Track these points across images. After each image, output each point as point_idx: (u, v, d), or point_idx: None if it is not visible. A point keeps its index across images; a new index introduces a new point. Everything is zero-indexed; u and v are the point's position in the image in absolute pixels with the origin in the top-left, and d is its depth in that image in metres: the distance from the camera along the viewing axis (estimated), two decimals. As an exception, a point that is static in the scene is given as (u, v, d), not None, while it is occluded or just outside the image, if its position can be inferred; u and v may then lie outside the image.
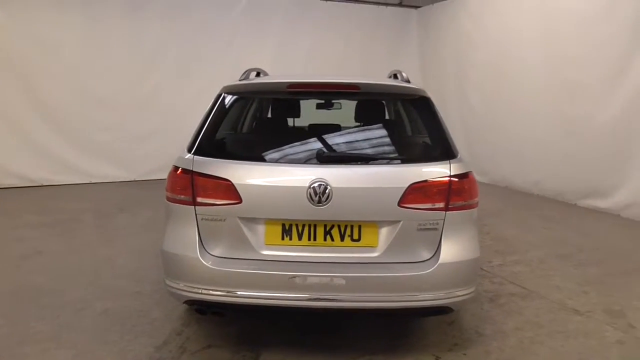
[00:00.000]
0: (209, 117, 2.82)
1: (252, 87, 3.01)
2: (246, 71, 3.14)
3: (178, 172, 2.68)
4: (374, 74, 8.71)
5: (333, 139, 2.84)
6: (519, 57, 7.20)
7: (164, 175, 8.53)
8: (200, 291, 2.56)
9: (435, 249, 2.58)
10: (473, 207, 2.65)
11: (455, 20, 8.57)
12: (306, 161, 2.69)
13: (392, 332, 3.18)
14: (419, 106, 2.84)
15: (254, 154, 2.74)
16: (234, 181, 2.53)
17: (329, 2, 9.04)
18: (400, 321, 3.29)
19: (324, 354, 2.93)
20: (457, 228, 2.60)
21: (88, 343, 3.03)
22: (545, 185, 6.99)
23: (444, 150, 2.67)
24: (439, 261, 2.53)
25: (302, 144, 2.77)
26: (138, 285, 3.90)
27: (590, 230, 5.53)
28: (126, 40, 7.83)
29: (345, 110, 5.20)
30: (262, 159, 2.68)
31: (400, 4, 9.65)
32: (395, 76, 3.52)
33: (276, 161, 2.68)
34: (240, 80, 3.03)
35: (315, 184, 2.48)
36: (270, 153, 2.72)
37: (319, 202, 2.48)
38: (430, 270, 2.51)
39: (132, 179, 8.10)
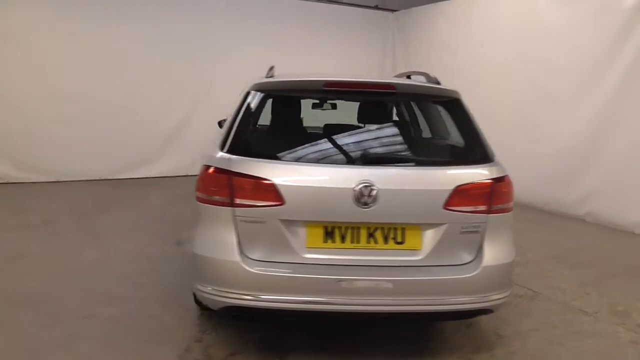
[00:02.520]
0: (238, 114, 2.70)
1: (285, 84, 2.92)
2: (271, 67, 3.03)
3: (211, 171, 2.56)
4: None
5: (373, 139, 2.80)
6: (494, 64, 7.37)
7: (137, 174, 8.17)
8: (240, 297, 2.45)
9: (476, 252, 2.58)
10: (510, 210, 2.67)
11: (431, 24, 8.71)
12: (350, 162, 2.63)
13: (414, 335, 3.17)
14: (453, 107, 2.84)
15: (294, 153, 2.66)
16: (276, 182, 2.44)
17: (307, 2, 9.00)
18: (420, 324, 3.29)
19: (355, 357, 2.88)
20: (498, 231, 2.61)
21: (103, 353, 2.86)
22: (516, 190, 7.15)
23: (483, 153, 2.68)
24: (483, 264, 2.53)
25: (343, 144, 2.71)
26: (140, 290, 3.71)
27: (573, 234, 5.73)
28: (98, 35, 7.48)
29: (340, 111, 5.18)
30: (303, 159, 2.61)
31: (376, 7, 9.73)
32: (408, 77, 3.53)
33: (319, 161, 2.61)
34: (267, 77, 2.93)
35: (362, 186, 2.42)
36: (311, 153, 2.64)
37: (365, 204, 2.43)
38: (475, 273, 2.51)
39: (103, 178, 7.73)
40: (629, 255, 4.96)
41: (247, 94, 2.76)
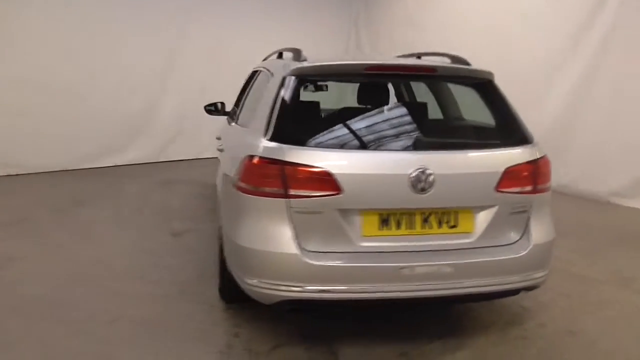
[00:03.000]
0: (277, 100, 2.59)
1: (324, 69, 2.80)
2: (299, 51, 2.90)
3: (260, 161, 2.45)
4: (317, 51, 8.65)
5: (420, 123, 2.76)
6: (461, 42, 7.43)
7: (103, 162, 7.76)
8: (301, 290, 2.38)
9: (522, 231, 2.63)
10: (550, 190, 2.73)
11: (397, 1, 8.70)
12: (404, 147, 2.59)
13: (447, 316, 3.22)
14: (487, 89, 2.85)
15: (346, 140, 2.58)
16: (333, 171, 2.37)
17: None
18: (447, 306, 3.33)
19: (397, 341, 2.87)
20: (541, 210, 2.67)
21: (145, 358, 2.72)
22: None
23: (524, 134, 2.71)
24: (532, 243, 2.59)
25: (393, 128, 2.65)
26: (158, 287, 3.55)
27: (555, 207, 5.95)
28: (52, 20, 6.95)
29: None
30: (357, 146, 2.55)
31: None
32: (418, 57, 3.51)
33: (373, 148, 2.55)
34: (299, 61, 2.80)
35: (419, 171, 2.40)
36: (363, 139, 2.57)
37: (422, 189, 2.40)
38: (526, 252, 2.56)
39: (66, 168, 7.29)
40: (615, 224, 5.23)
41: (284, 78, 2.64)
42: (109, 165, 7.59)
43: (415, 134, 2.65)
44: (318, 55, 2.84)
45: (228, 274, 2.96)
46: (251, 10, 8.57)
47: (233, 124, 3.55)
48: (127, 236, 4.63)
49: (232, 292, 3.14)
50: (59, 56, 7.03)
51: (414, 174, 2.40)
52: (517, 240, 2.62)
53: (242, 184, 2.52)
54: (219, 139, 4.50)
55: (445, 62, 3.06)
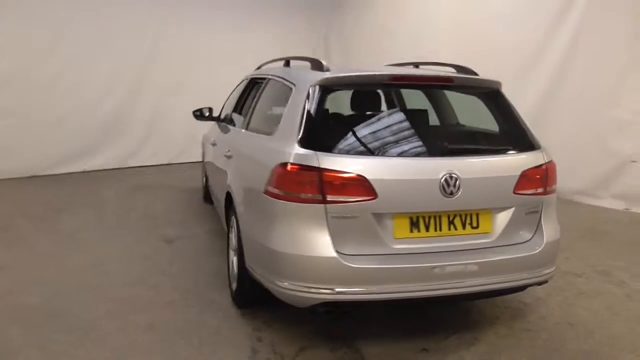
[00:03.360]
0: (304, 109, 2.66)
1: (351, 79, 2.91)
2: (320, 62, 2.97)
3: (296, 168, 2.51)
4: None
5: (444, 129, 2.90)
6: (435, 49, 7.73)
7: (72, 168, 7.55)
8: (339, 292, 2.46)
9: (534, 230, 2.82)
10: (555, 192, 2.95)
11: (367, 7, 8.89)
12: (432, 153, 2.72)
13: (456, 312, 3.37)
14: (498, 97, 3.04)
15: (377, 147, 2.68)
16: (368, 176, 2.47)
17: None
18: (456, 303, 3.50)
19: (416, 338, 2.98)
20: (550, 210, 2.88)
21: (170, 364, 2.72)
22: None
23: (532, 140, 2.90)
24: (545, 241, 2.78)
25: (420, 135, 2.77)
26: (161, 294, 3.53)
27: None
28: (20, 20, 6.70)
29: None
30: (389, 153, 2.65)
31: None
32: (416, 66, 3.68)
33: (404, 154, 2.66)
34: (323, 71, 2.88)
35: (447, 176, 2.54)
36: (394, 146, 2.68)
37: (451, 193, 2.55)
38: (539, 250, 2.75)
39: (35, 174, 7.03)
40: (580, 220, 5.59)
41: (312, 88, 2.71)
42: (77, 170, 7.37)
43: (440, 140, 2.79)
44: (338, 66, 2.94)
45: (248, 278, 3.01)
46: (222, 19, 8.55)
47: (243, 130, 3.58)
48: (118, 243, 4.55)
49: (248, 297, 3.19)
50: (25, 59, 6.79)
51: (443, 179, 2.54)
52: (530, 239, 2.80)
53: (275, 190, 2.57)
54: (214, 144, 4.51)
55: (450, 71, 3.23)
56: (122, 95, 7.70)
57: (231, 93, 5.09)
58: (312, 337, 2.99)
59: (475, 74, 3.16)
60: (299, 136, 2.60)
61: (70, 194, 6.18)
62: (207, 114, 5.02)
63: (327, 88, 2.75)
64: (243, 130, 3.55)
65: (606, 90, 5.88)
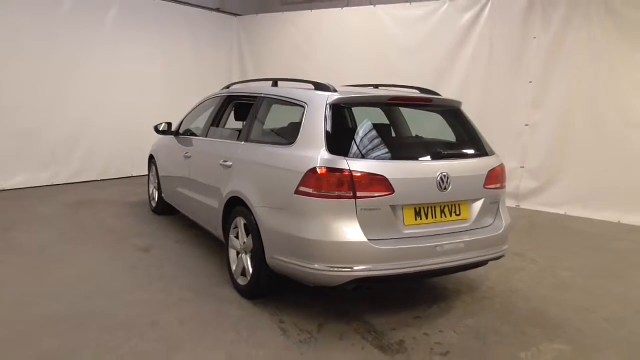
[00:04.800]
0: (328, 122, 3.24)
1: (359, 99, 3.59)
2: (327, 85, 3.55)
3: (325, 171, 3.08)
4: (202, 76, 9.11)
5: (434, 140, 3.67)
6: (348, 69, 8.56)
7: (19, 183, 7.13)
8: (368, 270, 3.06)
9: (494, 216, 3.66)
10: (505, 187, 3.84)
11: (282, 31, 9.50)
12: (430, 157, 3.46)
13: (426, 288, 4.12)
14: (460, 114, 3.86)
15: (391, 153, 3.33)
16: (388, 176, 3.12)
17: (157, 1, 8.90)
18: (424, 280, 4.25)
19: (408, 309, 3.66)
20: (503, 201, 3.75)
21: (218, 346, 3.09)
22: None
23: (487, 147, 3.76)
24: (504, 224, 3.63)
25: (417, 144, 3.46)
26: (171, 295, 3.83)
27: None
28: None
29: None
30: (400, 157, 3.33)
31: (218, 10, 10.10)
32: (376, 87, 4.44)
33: (411, 158, 3.37)
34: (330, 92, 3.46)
35: (443, 175, 3.28)
36: (403, 152, 3.37)
37: (445, 188, 3.29)
38: (502, 231, 3.59)
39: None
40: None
41: (329, 106, 3.30)
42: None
43: (434, 148, 3.57)
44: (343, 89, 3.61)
45: (265, 272, 3.48)
46: (143, 34, 8.68)
47: (242, 142, 3.99)
48: (96, 256, 4.62)
49: (263, 289, 3.65)
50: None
51: (439, 177, 3.27)
52: (492, 223, 3.64)
53: (309, 190, 3.11)
54: (188, 157, 4.82)
55: (414, 92, 4.04)
56: (39, 113, 7.39)
57: (192, 110, 5.39)
58: (325, 316, 3.54)
59: (439, 94, 3.98)
60: (326, 145, 3.17)
61: (2, 212, 5.92)
62: (166, 129, 5.33)
63: (339, 106, 3.37)
64: (242, 142, 3.98)
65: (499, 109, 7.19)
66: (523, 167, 7.11)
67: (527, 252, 5.16)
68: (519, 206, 7.16)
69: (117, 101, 8.26)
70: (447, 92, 7.48)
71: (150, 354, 2.97)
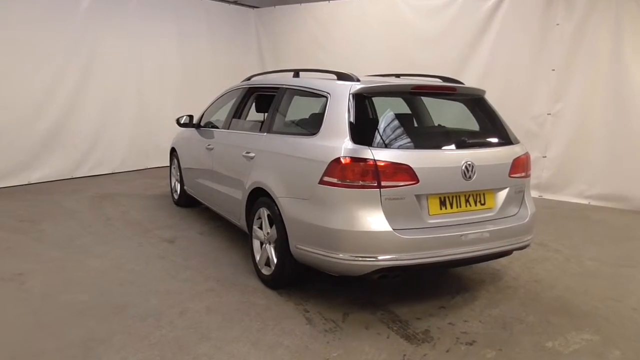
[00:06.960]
0: (351, 112, 3.24)
1: (382, 88, 3.57)
2: (350, 74, 3.55)
3: (349, 160, 3.08)
4: (220, 69, 9.20)
5: (459, 129, 3.63)
6: (366, 61, 8.55)
7: (10, 181, 7.29)
8: (394, 259, 3.06)
9: (519, 205, 3.63)
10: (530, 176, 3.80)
11: (300, 22, 9.49)
12: (455, 146, 3.44)
13: (449, 279, 4.12)
14: (483, 102, 3.82)
15: (415, 142, 3.32)
16: (412, 165, 3.11)
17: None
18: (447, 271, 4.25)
19: (431, 299, 3.67)
20: (528, 190, 3.72)
21: (249, 330, 3.13)
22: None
23: (512, 136, 3.73)
24: (529, 212, 3.60)
25: (441, 133, 3.44)
26: (197, 284, 3.88)
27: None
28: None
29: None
30: (425, 146, 3.32)
31: (235, 2, 10.12)
32: (397, 76, 4.42)
33: (435, 147, 3.35)
34: (353, 82, 3.45)
35: (467, 164, 3.26)
36: (426, 141, 3.34)
37: (469, 177, 3.27)
38: (527, 220, 3.56)
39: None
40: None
41: (352, 95, 3.30)
42: (20, 183, 7.13)
43: (459, 136, 3.54)
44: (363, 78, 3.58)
45: (290, 262, 3.50)
46: (160, 27, 8.74)
47: (265, 133, 4.01)
48: (123, 247, 4.70)
49: (286, 279, 3.67)
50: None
51: (464, 166, 3.25)
52: (517, 212, 3.61)
53: (333, 180, 3.11)
54: (210, 148, 4.86)
55: (437, 81, 4.01)
56: (61, 108, 7.51)
57: (213, 102, 5.42)
58: (349, 305, 3.56)
59: (462, 83, 3.94)
60: (349, 134, 3.17)
61: (30, 205, 6.05)
62: (187, 121, 5.38)
63: (362, 95, 3.36)
64: (265, 134, 4.00)
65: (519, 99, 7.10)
66: (545, 156, 7.03)
67: (551, 242, 5.12)
68: (541, 196, 7.08)
69: (134, 94, 8.36)
70: (468, 82, 7.42)
71: (181, 340, 3.03)
